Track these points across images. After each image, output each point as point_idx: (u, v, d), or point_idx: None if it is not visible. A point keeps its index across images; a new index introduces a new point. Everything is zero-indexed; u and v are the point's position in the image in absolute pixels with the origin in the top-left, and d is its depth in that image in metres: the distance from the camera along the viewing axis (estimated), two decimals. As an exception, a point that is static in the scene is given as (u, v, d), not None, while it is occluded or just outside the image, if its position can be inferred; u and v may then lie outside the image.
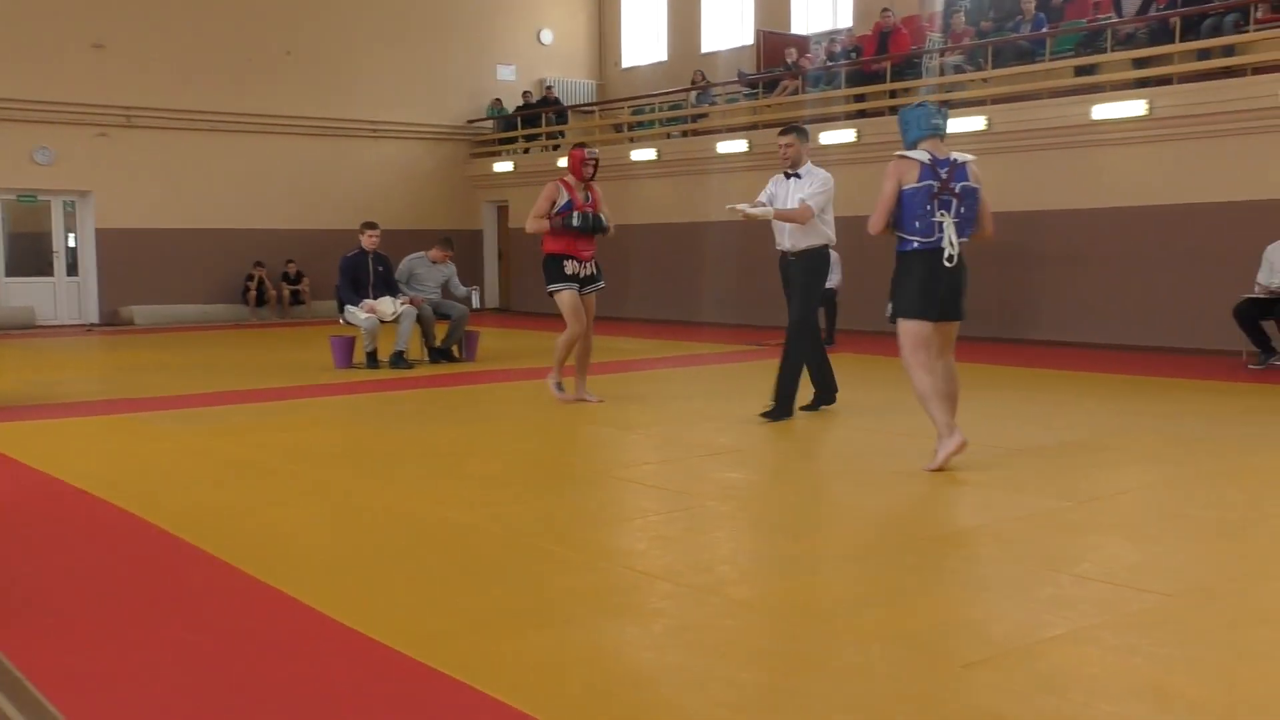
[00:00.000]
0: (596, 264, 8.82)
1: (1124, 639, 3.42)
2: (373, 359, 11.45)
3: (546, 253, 8.74)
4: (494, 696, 3.03)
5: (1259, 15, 12.77)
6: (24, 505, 5.59)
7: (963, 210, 6.02)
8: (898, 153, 6.14)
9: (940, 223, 5.97)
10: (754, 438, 7.30)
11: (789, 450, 7.00)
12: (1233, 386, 9.63)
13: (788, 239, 7.79)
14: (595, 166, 8.81)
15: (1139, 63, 13.44)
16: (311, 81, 20.71)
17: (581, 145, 8.96)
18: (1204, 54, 12.97)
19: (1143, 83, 13.26)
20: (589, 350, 8.83)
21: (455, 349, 12.24)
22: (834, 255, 13.69)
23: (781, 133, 7.96)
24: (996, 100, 14.62)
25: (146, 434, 7.66)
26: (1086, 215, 13.59)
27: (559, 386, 8.80)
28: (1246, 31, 12.71)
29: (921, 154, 6.02)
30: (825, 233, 7.75)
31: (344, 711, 2.98)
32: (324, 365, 11.63)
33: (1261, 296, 10.73)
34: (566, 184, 8.68)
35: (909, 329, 6.11)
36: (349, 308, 11.58)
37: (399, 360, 11.41)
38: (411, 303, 11.65)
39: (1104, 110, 13.22)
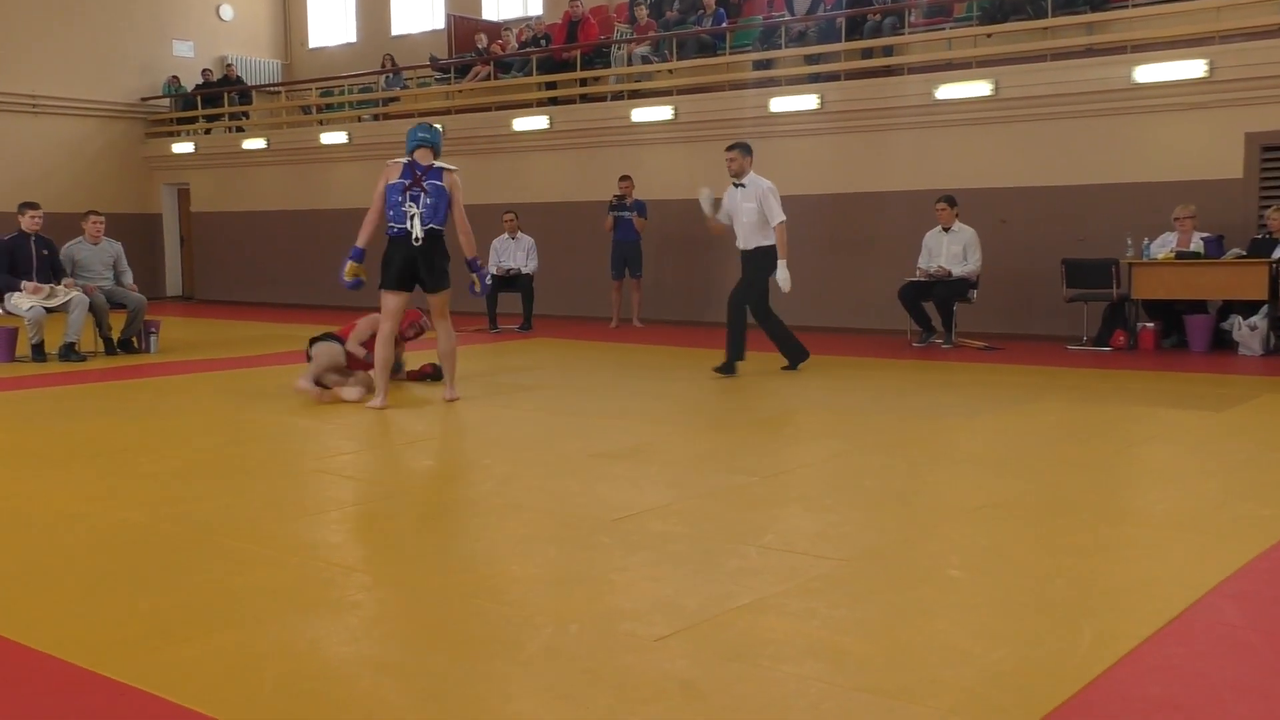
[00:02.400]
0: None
1: (803, 604, 3.65)
2: (39, 351, 10.62)
3: None
4: (180, 704, 2.90)
5: (913, 19, 13.86)
6: None
7: (429, 202, 7.48)
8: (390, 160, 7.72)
9: (407, 212, 7.48)
10: (450, 425, 7.28)
11: (480, 439, 7.03)
12: (899, 363, 10.41)
13: (742, 240, 9.46)
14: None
15: (811, 59, 14.24)
16: (-41, 49, 18.93)
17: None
18: (867, 53, 13.91)
19: (815, 78, 14.06)
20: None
21: (134, 340, 11.53)
22: (529, 241, 13.88)
23: (727, 148, 9.51)
24: (682, 91, 15.13)
25: None
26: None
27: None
28: (902, 34, 13.73)
29: (403, 159, 7.62)
30: (770, 234, 9.28)
31: (10, 732, 2.78)
32: (-19, 360, 10.71)
33: (921, 280, 11.62)
34: None
35: (381, 301, 7.77)
36: (10, 296, 10.69)
37: (70, 353, 10.63)
38: (84, 291, 10.87)
39: (780, 103, 13.94)
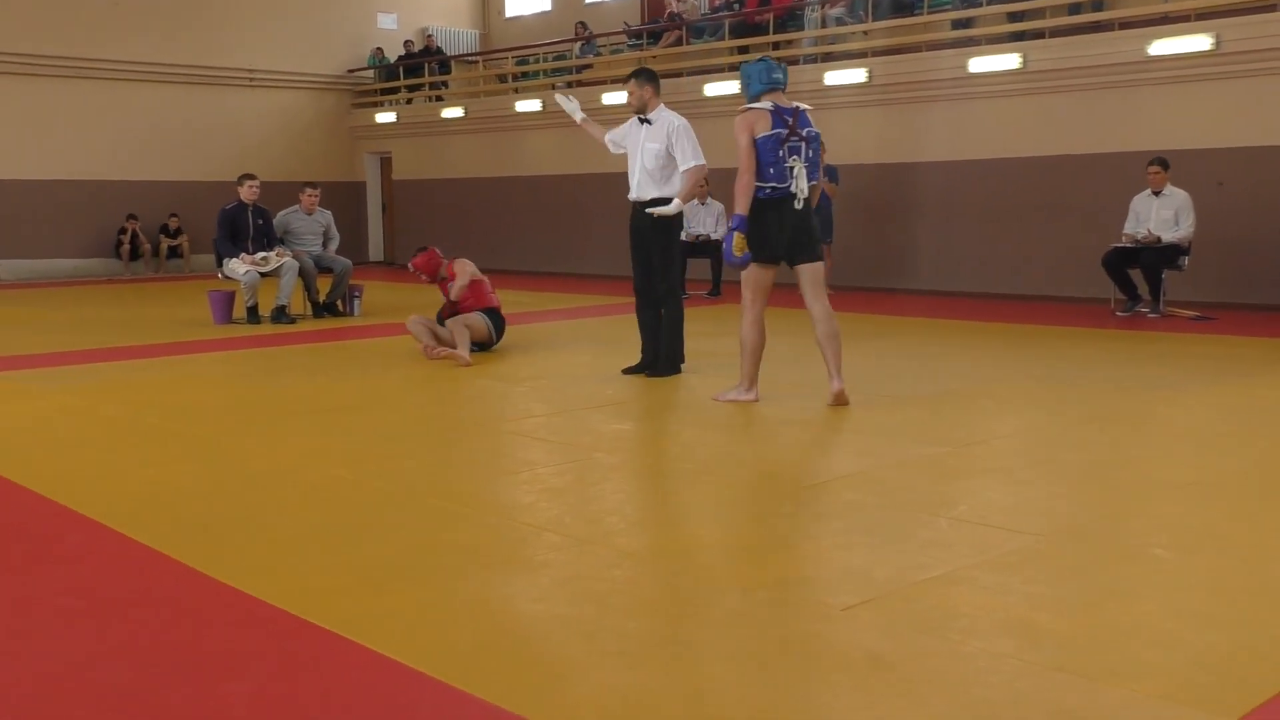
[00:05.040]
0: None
1: (997, 578, 3.55)
2: (253, 314, 11.20)
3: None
4: (379, 651, 3.02)
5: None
6: (-116, 470, 5.36)
7: (811, 154, 6.35)
8: (742, 107, 6.40)
9: (792, 168, 6.27)
10: (638, 391, 7.35)
11: (672, 402, 7.06)
12: (1101, 333, 9.98)
13: (636, 188, 7.57)
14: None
15: (1014, 16, 13.72)
16: (183, 27, 19.95)
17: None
18: (1075, 8, 13.30)
19: (1017, 36, 13.55)
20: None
21: (339, 303, 12.04)
22: (719, 206, 13.85)
23: (628, 77, 7.74)
24: (877, 53, 14.79)
25: (14, 393, 7.40)
26: (962, 166, 13.88)
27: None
28: (1114, -14, 13.07)
29: (766, 104, 6.32)
30: (676, 186, 7.50)
31: (228, 671, 2.95)
32: (203, 321, 11.34)
33: (1128, 246, 11.10)
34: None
35: (749, 275, 6.47)
36: (228, 261, 11.30)
37: (280, 315, 11.18)
38: (293, 256, 11.41)
39: (979, 63, 13.48)
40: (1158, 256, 10.91)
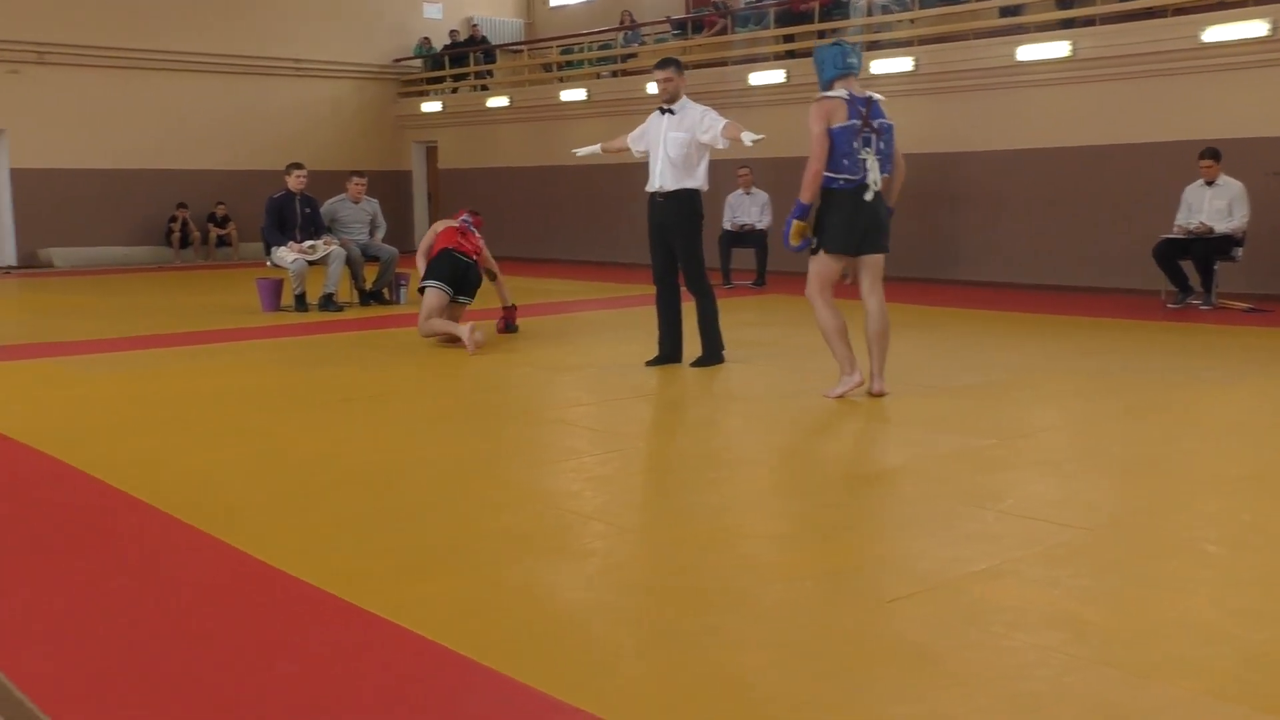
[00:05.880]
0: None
1: (1044, 572, 3.53)
2: (301, 302, 11.30)
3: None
4: (425, 636, 3.05)
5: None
6: (-57, 453, 5.47)
7: (882, 146, 6.24)
8: (819, 95, 6.28)
9: (865, 160, 6.17)
10: (682, 380, 7.35)
11: (716, 392, 7.06)
12: (1151, 324, 9.86)
13: (658, 179, 7.51)
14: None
15: (1063, 3, 13.55)
16: (232, 18, 20.16)
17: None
18: (1127, -5, 13.12)
19: (1066, 24, 13.38)
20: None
21: (385, 291, 12.12)
22: (764, 196, 13.81)
23: (658, 65, 7.64)
24: (923, 41, 14.67)
25: (68, 379, 7.52)
26: (1010, 156, 13.75)
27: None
28: (1169, -27, 12.87)
29: (841, 92, 6.21)
30: (699, 176, 7.48)
31: (276, 653, 2.99)
32: (251, 308, 11.47)
33: (1179, 237, 10.95)
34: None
35: (819, 266, 6.37)
36: (276, 250, 11.40)
37: (328, 303, 11.28)
38: (340, 245, 11.50)
39: (1028, 51, 13.33)
40: (1210, 248, 10.75)
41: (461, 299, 8.96)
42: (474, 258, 9.02)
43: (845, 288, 6.51)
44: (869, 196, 6.22)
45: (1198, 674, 2.78)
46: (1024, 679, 2.77)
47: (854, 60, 6.31)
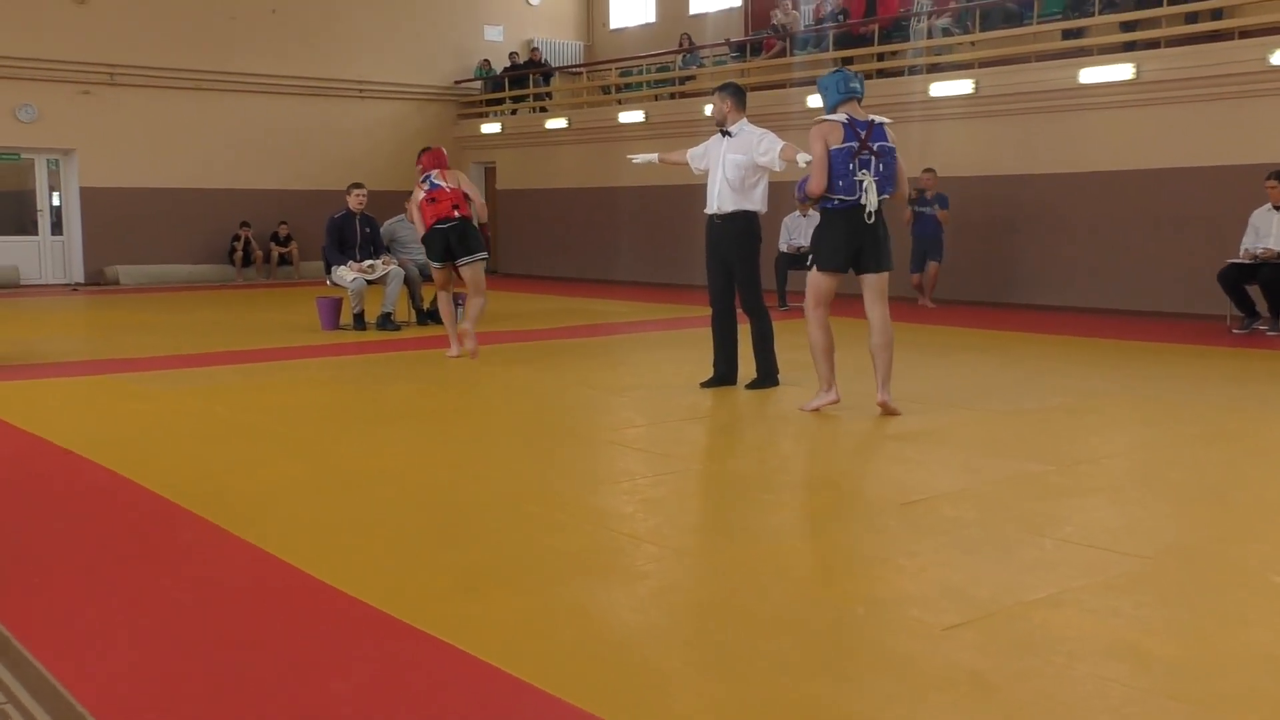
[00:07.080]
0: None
1: (1104, 601, 3.46)
2: (359, 320, 11.42)
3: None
4: (477, 656, 3.06)
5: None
6: (10, 465, 5.58)
7: (882, 168, 6.42)
8: (819, 118, 6.56)
9: (861, 181, 6.37)
10: (737, 403, 7.33)
11: (773, 415, 7.02)
12: (1216, 350, 9.68)
13: (716, 201, 7.52)
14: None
15: (1126, 26, 13.40)
16: (297, 40, 20.51)
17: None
18: (1191, 17, 12.94)
19: (1130, 46, 13.23)
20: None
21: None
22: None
23: (715, 90, 7.84)
24: (984, 64, 14.58)
25: (132, 394, 7.65)
26: (1072, 179, 13.59)
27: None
28: (1235, -6, 12.69)
29: (841, 116, 6.44)
30: (757, 198, 7.52)
31: (329, 669, 3.01)
32: (311, 326, 11.61)
33: (1246, 262, 10.77)
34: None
35: (813, 282, 6.67)
36: (336, 269, 11.54)
37: (386, 322, 11.38)
38: (399, 264, 11.62)
39: (1091, 74, 13.19)
40: (1277, 273, 10.56)
41: (463, 261, 9.05)
42: (456, 214, 9.01)
43: (852, 305, 6.63)
44: (868, 218, 6.42)
45: (1264, 707, 2.71)
46: (1084, 710, 2.72)
47: (856, 85, 6.52)
